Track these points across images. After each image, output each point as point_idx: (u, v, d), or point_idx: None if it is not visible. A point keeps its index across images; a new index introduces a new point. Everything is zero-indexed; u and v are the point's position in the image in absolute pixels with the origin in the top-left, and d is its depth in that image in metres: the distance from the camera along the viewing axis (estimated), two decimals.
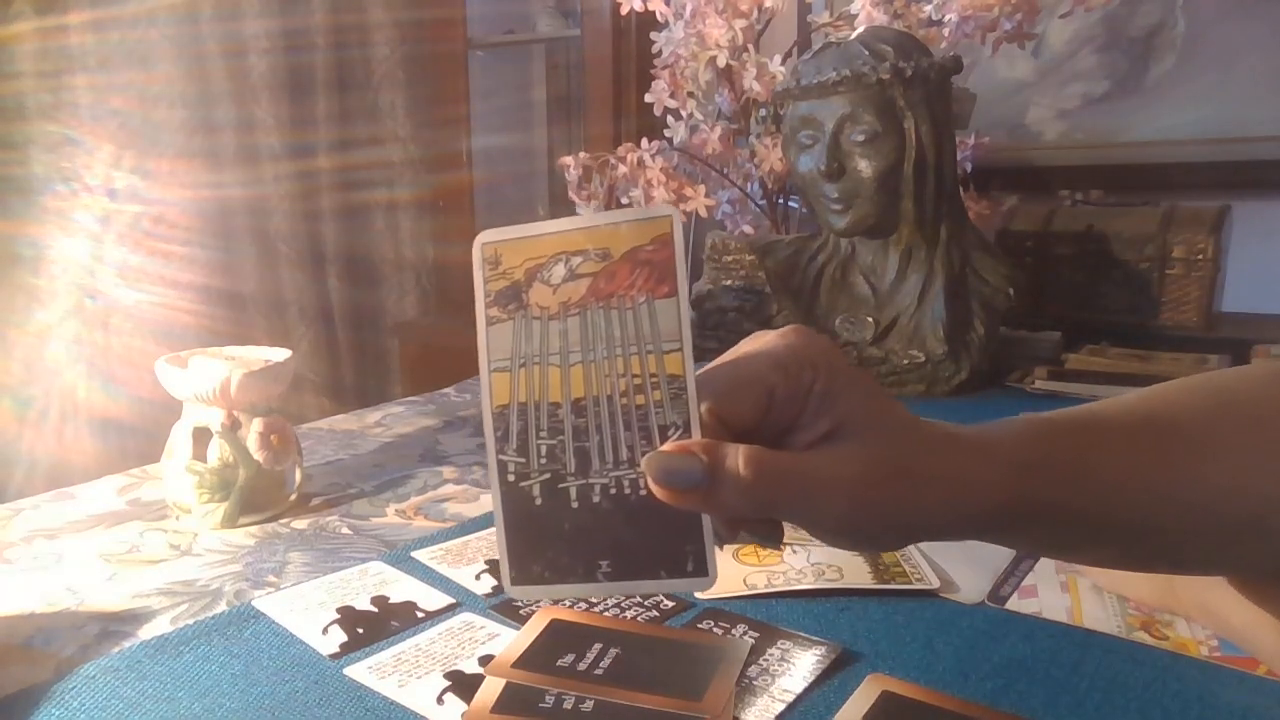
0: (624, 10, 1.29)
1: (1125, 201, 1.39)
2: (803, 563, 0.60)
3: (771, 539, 0.36)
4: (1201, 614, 0.50)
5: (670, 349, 0.33)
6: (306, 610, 0.55)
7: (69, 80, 1.56)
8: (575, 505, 0.34)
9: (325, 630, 0.53)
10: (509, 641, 0.49)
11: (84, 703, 0.46)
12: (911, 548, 0.62)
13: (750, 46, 1.25)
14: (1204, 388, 0.41)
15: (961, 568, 0.59)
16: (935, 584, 0.57)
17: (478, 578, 0.60)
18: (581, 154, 1.30)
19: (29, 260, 1.54)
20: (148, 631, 0.54)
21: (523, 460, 0.35)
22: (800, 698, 0.45)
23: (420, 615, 0.55)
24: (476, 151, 2.15)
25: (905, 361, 1.03)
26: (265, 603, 0.56)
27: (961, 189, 1.16)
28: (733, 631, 0.51)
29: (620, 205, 1.30)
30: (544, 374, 0.35)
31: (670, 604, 0.55)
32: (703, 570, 0.33)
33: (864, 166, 1.01)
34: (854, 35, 1.07)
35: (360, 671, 0.48)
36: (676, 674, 0.45)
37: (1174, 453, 0.38)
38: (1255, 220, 1.40)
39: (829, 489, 0.33)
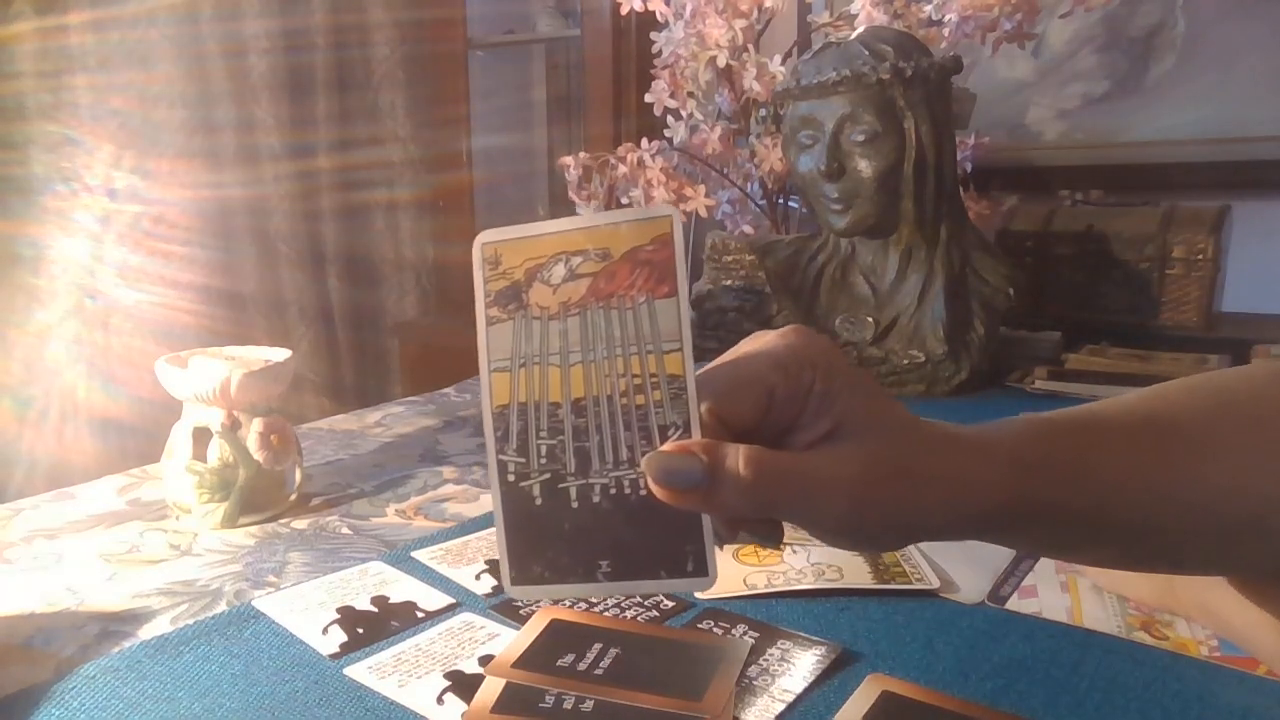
0: (624, 10, 1.29)
1: (1125, 201, 1.39)
2: (803, 563, 0.60)
3: (771, 539, 0.36)
4: (1201, 614, 0.50)
5: (670, 349, 0.33)
6: (306, 610, 0.55)
7: (69, 80, 1.56)
8: (575, 505, 0.34)
9: (325, 630, 0.53)
10: (509, 641, 0.49)
11: (84, 703, 0.46)
12: (911, 548, 0.62)
13: (750, 46, 1.25)
14: (1204, 388, 0.41)
15: (961, 568, 0.59)
16: (935, 584, 0.57)
17: (478, 578, 0.60)
18: (581, 154, 1.30)
19: (29, 260, 1.54)
20: (148, 631, 0.54)
21: (523, 460, 0.35)
22: (800, 698, 0.45)
23: (420, 615, 0.55)
24: (476, 151, 2.15)
25: (905, 361, 1.03)
26: (265, 603, 0.56)
27: (961, 189, 1.16)
28: (733, 631, 0.51)
29: (620, 205, 1.30)
30: (544, 374, 0.34)
31: (670, 604, 0.55)
32: (703, 570, 0.33)
33: (864, 166, 1.01)
34: (854, 35, 1.07)
35: (360, 671, 0.48)
36: (676, 674, 0.45)
37: (1174, 452, 0.38)
38: (1255, 220, 1.40)
39: (829, 489, 0.33)
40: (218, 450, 0.70)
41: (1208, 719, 0.44)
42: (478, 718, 0.43)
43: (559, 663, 0.45)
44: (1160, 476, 0.37)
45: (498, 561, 0.62)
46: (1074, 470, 0.36)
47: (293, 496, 0.74)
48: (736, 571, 0.59)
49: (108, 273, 1.60)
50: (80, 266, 1.57)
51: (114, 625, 0.55)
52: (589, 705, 0.43)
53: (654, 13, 1.29)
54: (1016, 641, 0.51)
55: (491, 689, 0.44)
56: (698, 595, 0.56)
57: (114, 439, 1.56)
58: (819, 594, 0.56)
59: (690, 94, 1.28)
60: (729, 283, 1.19)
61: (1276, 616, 0.44)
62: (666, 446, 0.33)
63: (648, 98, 1.29)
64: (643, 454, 0.33)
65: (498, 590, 0.58)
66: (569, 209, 1.37)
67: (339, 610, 0.55)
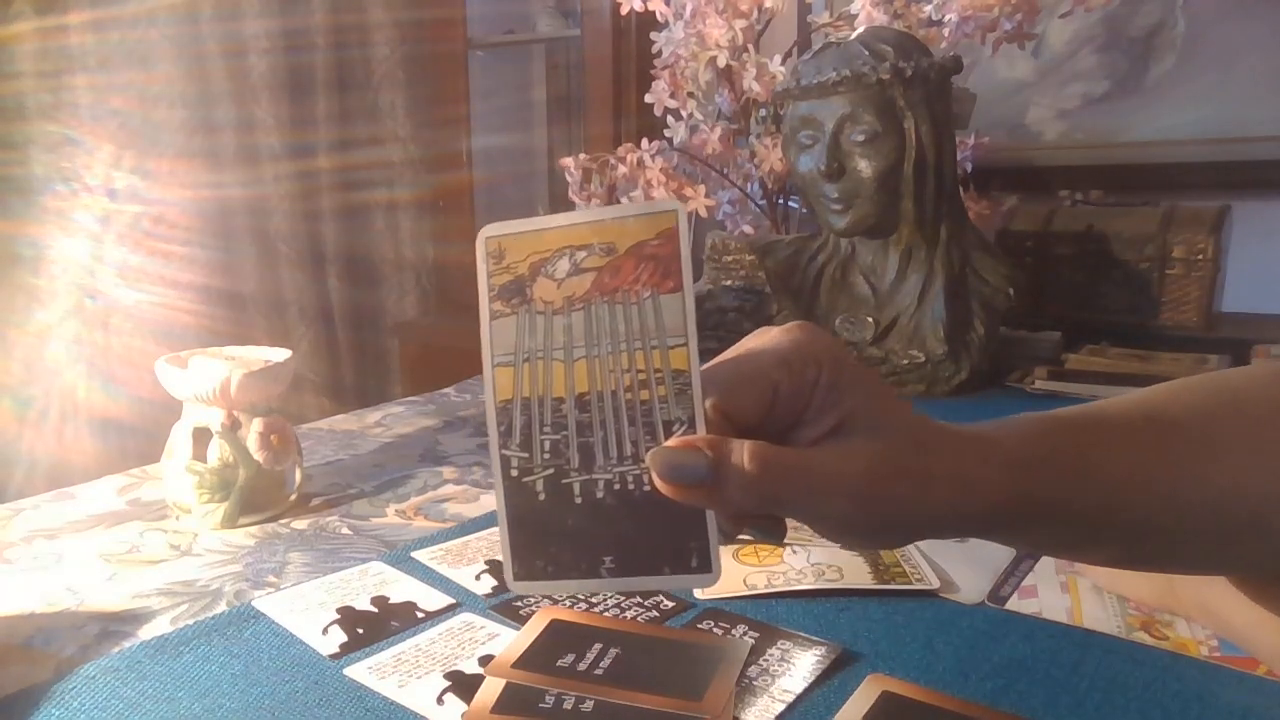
0: (624, 10, 1.29)
1: (1125, 201, 1.39)
2: (803, 563, 0.60)
3: (774, 535, 0.36)
4: (1201, 614, 0.50)
5: (675, 344, 0.33)
6: (306, 610, 0.55)
7: (69, 80, 1.56)
8: (579, 501, 0.34)
9: (325, 630, 0.53)
10: (509, 641, 0.49)
11: (84, 703, 0.46)
12: (911, 547, 0.62)
13: (750, 46, 1.25)
14: (1205, 387, 0.41)
15: (961, 568, 0.59)
16: (935, 584, 0.57)
17: (478, 578, 0.60)
18: (581, 155, 1.30)
19: (29, 260, 1.54)
20: (148, 631, 0.54)
21: (526, 455, 0.35)
22: (800, 698, 0.45)
23: (420, 615, 0.55)
24: (476, 151, 2.15)
25: (905, 361, 1.03)
26: (265, 603, 0.56)
27: (961, 189, 1.16)
28: (733, 631, 0.51)
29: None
30: (548, 369, 0.34)
31: (670, 604, 0.55)
32: (706, 566, 0.33)
33: (864, 166, 1.01)
34: (854, 35, 1.07)
35: (360, 672, 0.48)
36: (676, 674, 0.45)
37: (1175, 452, 0.38)
38: (1255, 220, 1.40)
39: (834, 485, 0.33)
40: (218, 450, 0.70)
41: (1208, 719, 0.44)
42: (478, 718, 0.43)
43: (559, 663, 0.45)
44: (1161, 475, 0.37)
45: (499, 560, 0.62)
46: (1076, 469, 0.36)
47: (293, 496, 0.74)
48: (736, 571, 0.59)
49: (108, 273, 1.60)
50: (80, 266, 1.57)
51: (114, 625, 0.55)
52: (589, 705, 0.43)
53: (654, 13, 1.29)
54: (1016, 641, 0.51)
55: (491, 689, 0.44)
56: (698, 595, 0.56)
57: (114, 439, 1.56)
58: (819, 594, 0.56)
59: (690, 94, 1.28)
60: (729, 283, 1.19)
61: (1276, 616, 0.44)
62: (671, 442, 0.33)
63: (648, 98, 1.29)
64: (647, 449, 0.33)
65: (498, 590, 0.58)
66: (569, 209, 1.37)
67: (339, 610, 0.55)
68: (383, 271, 2.11)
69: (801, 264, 1.14)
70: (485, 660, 0.49)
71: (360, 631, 0.53)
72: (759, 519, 0.35)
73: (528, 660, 0.46)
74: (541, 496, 0.34)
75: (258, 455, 0.71)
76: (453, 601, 0.57)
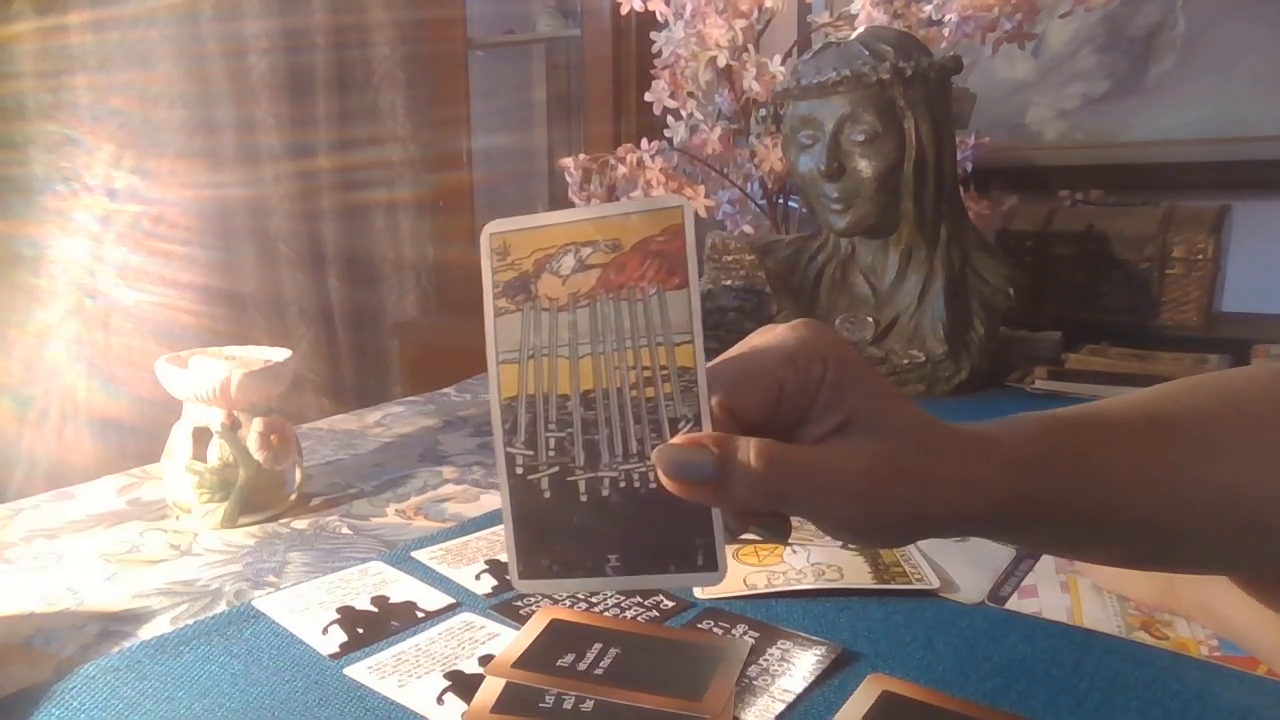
0: (624, 10, 1.29)
1: (1125, 201, 1.39)
2: (803, 563, 0.60)
3: (779, 533, 0.36)
4: (1201, 614, 0.50)
5: (681, 341, 0.33)
6: (306, 610, 0.55)
7: (69, 80, 1.56)
8: (584, 499, 0.34)
9: (325, 630, 0.53)
10: (509, 641, 0.49)
11: (84, 703, 0.46)
12: (911, 547, 0.62)
13: (750, 46, 1.25)
14: (1206, 387, 0.41)
15: (961, 568, 0.59)
16: (935, 584, 0.57)
17: (478, 578, 0.60)
18: (581, 155, 1.30)
19: (29, 260, 1.54)
20: (148, 631, 0.54)
21: (531, 453, 0.34)
22: (800, 698, 0.45)
23: (420, 615, 0.55)
24: (476, 151, 2.15)
25: (905, 361, 1.03)
26: (265, 603, 0.56)
27: (961, 189, 1.16)
28: (733, 631, 0.51)
29: None
30: (553, 366, 0.34)
31: (670, 604, 0.55)
32: (712, 565, 0.33)
33: (864, 166, 1.01)
34: (854, 35, 1.07)
35: (360, 671, 0.48)
36: (676, 674, 0.45)
37: (1176, 451, 0.38)
38: (1255, 220, 1.40)
39: (839, 483, 0.33)
40: (218, 450, 0.70)
41: (1208, 719, 0.44)
42: (478, 718, 0.43)
43: (559, 663, 0.45)
44: (1162, 475, 0.37)
45: (499, 560, 0.62)
46: (1076, 469, 0.36)
47: (293, 496, 0.74)
48: (736, 571, 0.59)
49: (108, 273, 1.60)
50: (80, 266, 1.57)
51: (114, 625, 0.55)
52: (589, 705, 0.43)
53: (654, 13, 1.29)
54: (1016, 641, 0.51)
55: (491, 689, 0.44)
56: (697, 594, 0.56)
57: (114, 439, 1.56)
58: (819, 594, 0.56)
59: (690, 94, 1.28)
60: (729, 283, 1.19)
61: (1277, 616, 0.44)
62: (677, 439, 0.33)
63: (648, 98, 1.29)
64: (652, 447, 0.33)
65: (498, 590, 0.58)
66: (568, 209, 1.37)
67: (339, 610, 0.55)
68: (383, 271, 2.11)
69: (801, 264, 1.14)
70: (485, 660, 0.49)
71: (360, 631, 0.53)
72: (764, 517, 0.35)
73: (528, 660, 0.46)
74: (546, 494, 0.34)
75: (258, 455, 0.71)
76: (453, 601, 0.56)
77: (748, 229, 1.37)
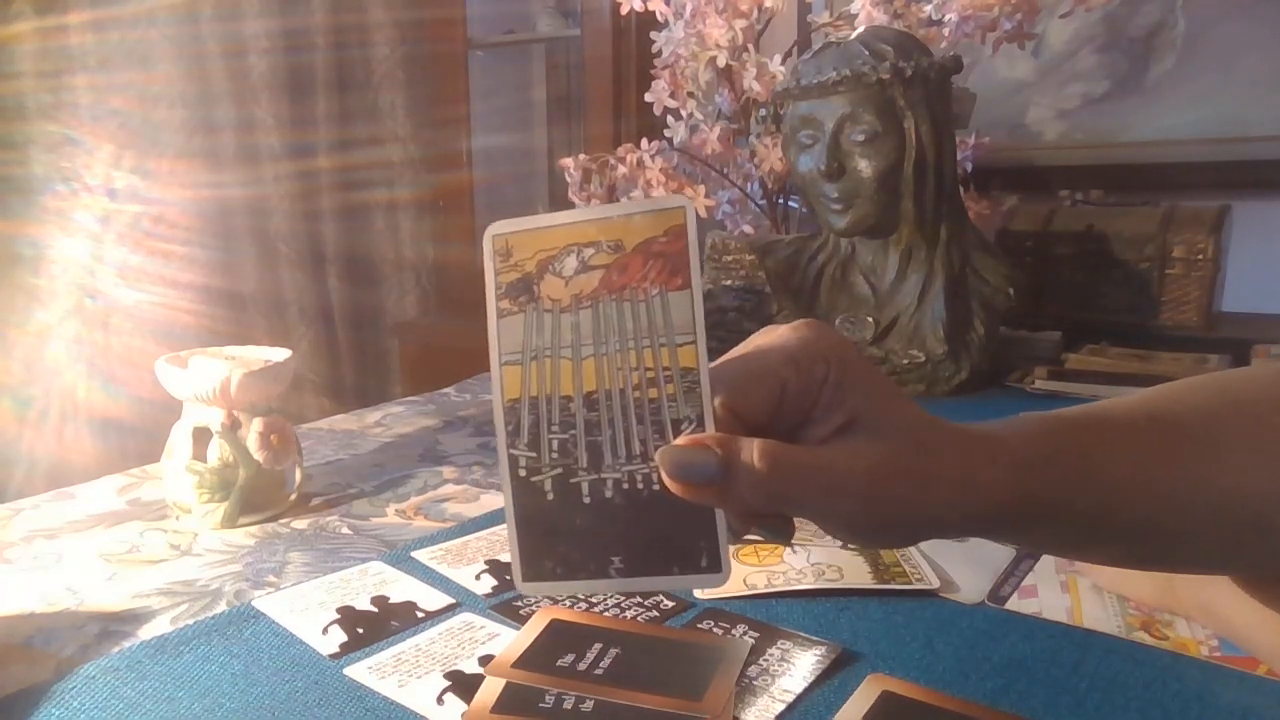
0: (624, 10, 1.29)
1: (1125, 201, 1.39)
2: (803, 563, 0.60)
3: (783, 534, 0.36)
4: (1201, 614, 0.50)
5: (683, 342, 0.33)
6: (306, 610, 0.55)
7: (69, 80, 1.56)
8: (587, 500, 0.34)
9: (325, 630, 0.53)
10: (509, 641, 0.49)
11: (84, 703, 0.46)
12: (911, 547, 0.62)
13: (750, 46, 1.25)
14: (1208, 387, 0.41)
15: (961, 568, 0.59)
16: (935, 584, 0.57)
17: (478, 578, 0.60)
18: (581, 155, 1.30)
19: (29, 260, 1.54)
20: (148, 631, 0.54)
21: (534, 455, 0.34)
22: (800, 698, 0.45)
23: (420, 615, 0.55)
24: (476, 151, 2.15)
25: (905, 361, 1.03)
26: (265, 603, 0.56)
27: (961, 189, 1.16)
28: (733, 631, 0.51)
29: None
30: (555, 367, 0.34)
31: (670, 604, 0.55)
32: (716, 566, 0.33)
33: (864, 166, 1.01)
34: (854, 35, 1.07)
35: (360, 671, 0.48)
36: (676, 674, 0.45)
37: (1178, 452, 0.38)
38: (1255, 220, 1.40)
39: (842, 483, 0.33)
40: (218, 450, 0.70)
41: (1208, 719, 0.44)
42: (478, 718, 0.43)
43: (559, 663, 0.45)
44: (1164, 475, 0.37)
45: (499, 560, 0.62)
46: (1079, 469, 0.36)
47: (293, 496, 0.74)
48: (737, 571, 0.59)
49: (108, 273, 1.60)
50: (80, 266, 1.57)
51: (114, 625, 0.55)
52: (589, 705, 0.43)
53: (654, 13, 1.29)
54: (1016, 641, 0.51)
55: (491, 689, 0.44)
56: (697, 595, 0.56)
57: (114, 439, 1.56)
58: (819, 594, 0.56)
59: (690, 94, 1.28)
60: (729, 283, 1.19)
61: (1277, 616, 0.44)
62: (680, 440, 0.33)
63: (648, 98, 1.29)
64: (656, 448, 0.33)
65: (498, 590, 0.58)
66: (569, 209, 1.37)
67: (339, 610, 0.55)
68: (383, 271, 2.11)
69: (801, 264, 1.14)
70: (485, 660, 0.49)
71: (360, 631, 0.53)
72: (767, 518, 0.35)
73: (528, 660, 0.46)
74: (550, 496, 0.34)
75: (258, 455, 0.71)
76: (453, 601, 0.56)
77: (748, 229, 1.37)
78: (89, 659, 0.51)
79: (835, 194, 1.03)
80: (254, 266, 1.86)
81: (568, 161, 1.30)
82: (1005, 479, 0.35)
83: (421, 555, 0.63)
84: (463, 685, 0.47)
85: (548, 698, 0.43)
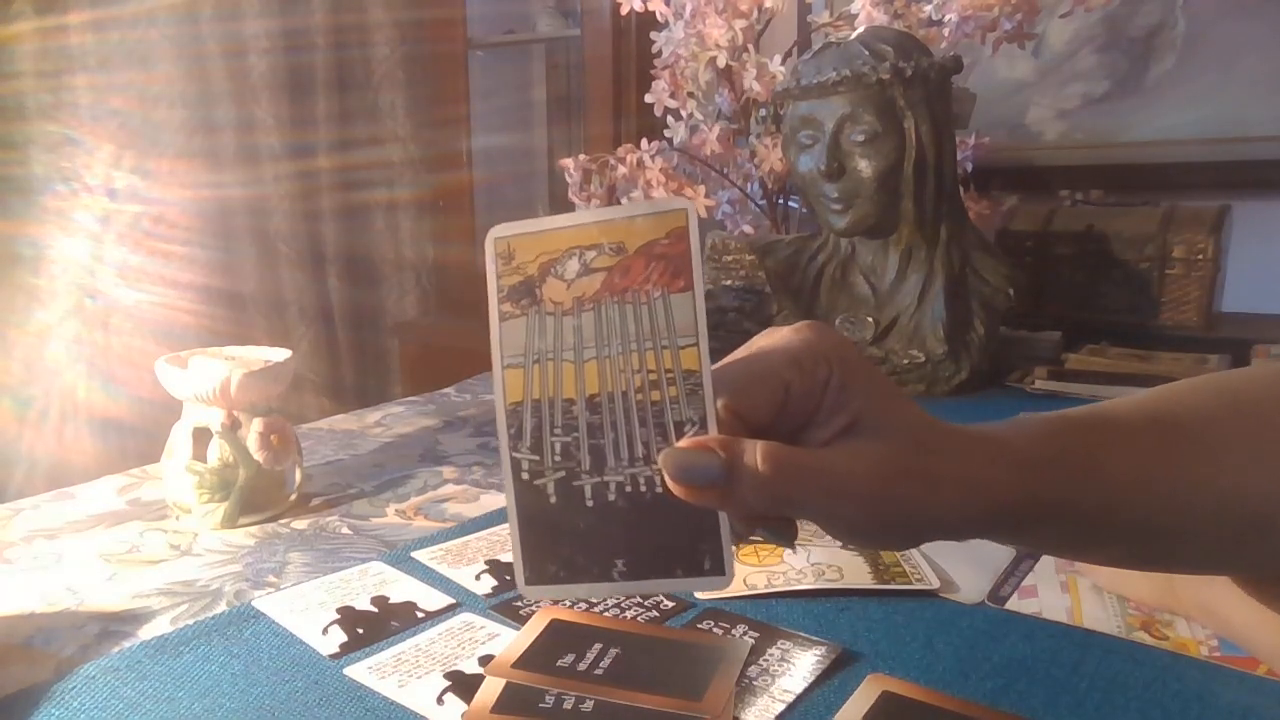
0: (624, 10, 1.29)
1: (1125, 201, 1.39)
2: (803, 563, 0.60)
3: (786, 536, 0.36)
4: (1201, 614, 0.50)
5: (686, 344, 0.33)
6: (306, 610, 0.55)
7: (69, 80, 1.56)
8: (590, 503, 0.34)
9: (325, 630, 0.53)
10: (509, 641, 0.49)
11: (84, 703, 0.46)
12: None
13: (750, 46, 1.25)
14: (1210, 388, 0.41)
15: (961, 568, 0.59)
16: (935, 584, 0.57)
17: (478, 578, 0.60)
18: (581, 156, 1.30)
19: (29, 260, 1.54)
20: (148, 631, 0.54)
21: (536, 458, 0.34)
22: (800, 698, 0.45)
23: (420, 615, 0.55)
24: (476, 151, 2.15)
25: (905, 361, 1.03)
26: (265, 603, 0.56)
27: (961, 189, 1.16)
28: (733, 631, 0.51)
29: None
30: (558, 370, 0.34)
31: (670, 604, 0.55)
32: (720, 569, 0.33)
33: (864, 166, 1.01)
34: (854, 35, 1.07)
35: (360, 671, 0.48)
36: (676, 674, 0.45)
37: (1179, 452, 0.38)
38: (1255, 220, 1.40)
39: (845, 485, 0.33)
40: (218, 450, 0.70)
41: (1208, 719, 0.44)
42: (478, 718, 0.43)
43: (559, 663, 0.45)
44: (1165, 476, 0.37)
45: (499, 560, 0.62)
46: (1083, 470, 0.36)
47: (293, 496, 0.74)
48: (737, 572, 0.59)
49: (108, 273, 1.60)
50: (80, 266, 1.57)
51: (114, 625, 0.55)
52: (589, 705, 0.43)
53: (654, 13, 1.29)
54: (1016, 641, 0.51)
55: (491, 689, 0.44)
56: (697, 595, 0.56)
57: (114, 439, 1.56)
58: (819, 594, 0.56)
59: (690, 94, 1.28)
60: (729, 283, 1.19)
61: (1277, 616, 0.44)
62: (683, 443, 0.33)
63: (648, 98, 1.29)
64: (659, 450, 0.33)
65: (498, 590, 0.58)
66: (569, 209, 1.37)
67: (339, 610, 0.55)
68: (383, 271, 2.11)
69: (801, 264, 1.14)
70: (485, 660, 0.49)
71: (360, 631, 0.53)
72: (771, 520, 0.35)
73: (528, 660, 0.46)
74: (553, 499, 0.34)
75: (258, 455, 0.71)
76: (453, 601, 0.57)
77: (748, 229, 1.37)
78: (89, 659, 0.51)
79: (835, 194, 1.03)
80: (254, 266, 1.86)
81: (568, 162, 1.30)
82: (1009, 479, 0.35)
83: (421, 555, 0.63)
84: (463, 685, 0.47)
85: (548, 698, 0.43)
